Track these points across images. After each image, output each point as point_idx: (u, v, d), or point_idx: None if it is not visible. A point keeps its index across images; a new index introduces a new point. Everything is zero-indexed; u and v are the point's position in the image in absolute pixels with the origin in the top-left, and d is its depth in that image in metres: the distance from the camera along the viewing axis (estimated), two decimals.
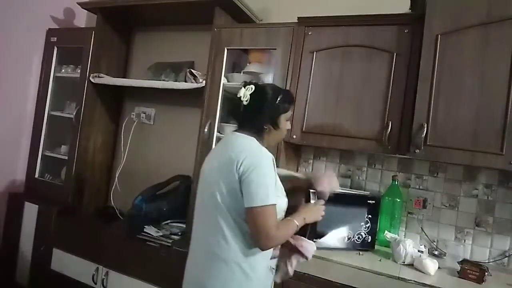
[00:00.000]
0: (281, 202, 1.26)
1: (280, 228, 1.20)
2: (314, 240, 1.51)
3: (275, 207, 1.19)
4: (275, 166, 1.27)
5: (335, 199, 1.57)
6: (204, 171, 1.33)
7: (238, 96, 1.31)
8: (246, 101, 1.29)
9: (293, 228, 1.25)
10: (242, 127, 1.33)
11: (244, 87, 1.31)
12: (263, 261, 1.27)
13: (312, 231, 1.46)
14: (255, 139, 1.29)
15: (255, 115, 1.31)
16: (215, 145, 1.44)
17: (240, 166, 1.18)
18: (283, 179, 1.39)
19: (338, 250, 1.64)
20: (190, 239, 1.32)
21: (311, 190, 1.43)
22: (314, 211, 1.36)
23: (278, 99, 1.32)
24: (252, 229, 1.17)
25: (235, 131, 1.34)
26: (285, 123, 1.36)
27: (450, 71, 1.51)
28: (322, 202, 1.40)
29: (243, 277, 1.19)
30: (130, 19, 2.60)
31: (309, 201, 1.41)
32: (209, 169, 1.31)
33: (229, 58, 2.04)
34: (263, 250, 1.21)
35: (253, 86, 1.30)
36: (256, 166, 1.18)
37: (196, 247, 1.29)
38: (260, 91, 1.31)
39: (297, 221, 1.26)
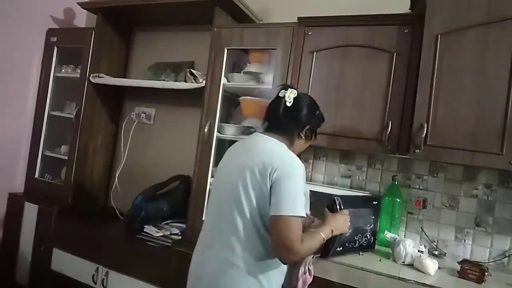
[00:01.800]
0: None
1: (305, 241, 1.12)
2: (339, 249, 1.47)
3: (301, 220, 1.12)
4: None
5: (351, 203, 1.53)
6: (224, 171, 1.27)
7: (281, 96, 1.26)
8: (290, 102, 1.24)
9: (319, 241, 1.20)
10: (274, 130, 1.27)
11: (285, 89, 1.27)
12: (280, 277, 1.22)
13: (337, 244, 1.42)
14: (285, 145, 1.24)
15: (294, 120, 1.26)
16: (233, 145, 1.36)
17: (274, 172, 1.12)
18: None
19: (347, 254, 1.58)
20: (199, 236, 1.28)
21: (335, 197, 1.39)
22: (341, 222, 1.31)
23: (318, 111, 1.32)
24: (276, 239, 1.11)
25: (263, 133, 1.29)
26: (312, 139, 1.34)
27: (450, 71, 1.51)
28: (346, 211, 1.33)
29: None
30: (130, 19, 2.60)
31: (333, 211, 1.35)
32: (233, 170, 1.22)
33: (229, 58, 2.04)
34: (284, 263, 1.16)
35: (296, 91, 1.27)
36: (290, 175, 1.13)
37: (211, 253, 1.20)
38: (304, 97, 1.30)
39: (323, 234, 1.21)
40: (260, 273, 1.15)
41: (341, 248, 1.53)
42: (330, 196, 1.37)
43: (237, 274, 1.14)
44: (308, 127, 1.29)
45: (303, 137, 1.29)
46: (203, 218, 1.97)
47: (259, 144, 1.25)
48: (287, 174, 1.13)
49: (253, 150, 1.23)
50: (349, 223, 1.32)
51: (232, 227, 1.17)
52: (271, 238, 1.13)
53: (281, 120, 1.27)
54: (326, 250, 1.45)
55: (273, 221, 1.11)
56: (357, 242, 1.61)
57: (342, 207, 1.42)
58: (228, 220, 1.18)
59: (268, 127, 1.30)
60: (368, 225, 1.66)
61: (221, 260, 1.17)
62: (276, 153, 1.19)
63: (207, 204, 1.30)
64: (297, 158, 1.20)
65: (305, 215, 1.14)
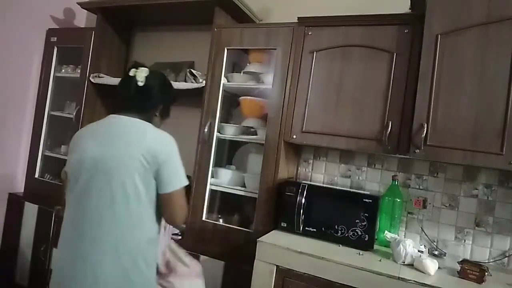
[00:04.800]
0: None
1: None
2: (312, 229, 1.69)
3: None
4: None
5: (327, 193, 1.81)
6: (94, 160, 1.18)
7: (131, 75, 1.25)
8: (142, 82, 1.24)
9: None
10: (131, 110, 1.25)
11: (136, 68, 1.26)
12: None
13: None
14: (146, 122, 1.26)
15: (149, 100, 1.28)
16: (95, 127, 1.29)
17: (160, 155, 1.17)
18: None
19: (332, 243, 1.72)
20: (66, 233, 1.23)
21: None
22: None
23: (171, 88, 1.34)
24: (174, 210, 1.22)
25: (122, 114, 1.25)
26: (167, 115, 1.39)
27: (450, 71, 1.51)
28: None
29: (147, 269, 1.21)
30: (130, 19, 2.60)
31: None
32: (110, 160, 1.17)
33: (229, 58, 2.04)
34: (181, 225, 1.30)
35: (147, 69, 1.27)
36: (172, 153, 1.22)
37: (93, 244, 1.15)
38: (155, 75, 1.30)
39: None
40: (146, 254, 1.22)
41: (314, 230, 1.74)
42: None
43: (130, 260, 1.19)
44: (161, 106, 1.32)
45: (157, 115, 1.34)
46: (203, 218, 1.97)
47: (129, 128, 1.23)
48: (170, 153, 1.22)
49: (129, 135, 1.21)
50: None
51: (123, 214, 1.16)
52: (167, 211, 1.23)
53: (136, 100, 1.26)
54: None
55: (169, 197, 1.21)
56: (339, 231, 1.71)
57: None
58: (112, 209, 1.15)
59: (124, 107, 1.28)
60: (358, 221, 1.68)
61: (115, 249, 1.16)
62: (153, 136, 1.23)
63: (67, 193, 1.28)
64: (167, 133, 1.26)
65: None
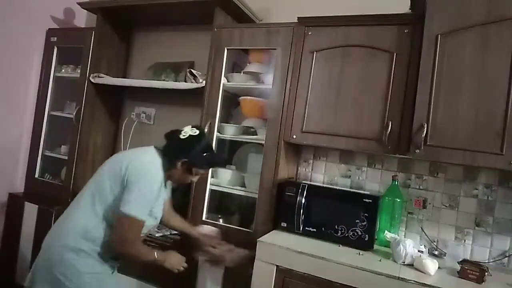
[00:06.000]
0: (150, 221, 1.39)
1: (138, 246, 1.36)
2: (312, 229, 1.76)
3: (141, 223, 1.32)
4: (165, 187, 1.43)
5: (327, 193, 1.82)
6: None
7: (181, 130, 1.43)
8: (184, 136, 1.40)
9: (148, 258, 1.38)
10: (161, 150, 1.44)
11: (192, 127, 1.44)
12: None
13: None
14: (161, 160, 1.40)
15: (177, 149, 1.41)
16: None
17: (129, 174, 1.31)
18: (176, 229, 1.69)
19: (332, 243, 1.72)
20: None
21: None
22: (175, 261, 1.46)
23: (208, 153, 1.44)
24: (115, 230, 1.31)
25: (156, 148, 1.46)
26: (194, 175, 1.47)
27: (450, 71, 1.51)
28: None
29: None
30: (130, 19, 2.60)
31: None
32: (107, 164, 1.44)
33: (229, 58, 2.04)
34: (115, 249, 1.34)
35: (197, 131, 1.42)
36: (142, 180, 1.31)
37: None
38: (199, 137, 1.42)
39: (157, 256, 1.38)
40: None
41: (314, 230, 1.74)
42: None
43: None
44: (187, 160, 1.41)
45: (179, 167, 1.42)
46: (203, 218, 1.97)
47: (138, 151, 1.47)
48: (140, 180, 1.31)
49: (130, 153, 1.47)
50: (181, 268, 1.47)
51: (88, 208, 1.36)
52: (113, 228, 1.32)
53: (169, 146, 1.44)
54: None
55: (118, 216, 1.29)
56: (339, 231, 1.71)
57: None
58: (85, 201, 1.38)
59: (162, 147, 1.46)
60: (358, 221, 1.68)
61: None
62: (139, 159, 1.38)
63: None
64: (156, 169, 1.37)
65: (145, 220, 1.32)
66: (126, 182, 1.31)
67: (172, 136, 1.45)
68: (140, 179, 1.31)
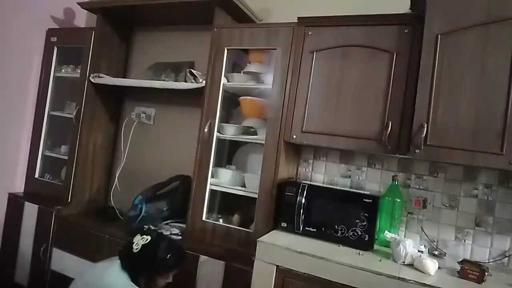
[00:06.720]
0: None
1: None
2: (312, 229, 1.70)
3: None
4: None
5: (327, 193, 1.82)
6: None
7: (132, 242, 1.41)
8: (136, 249, 1.38)
9: None
10: (123, 263, 1.45)
11: (141, 235, 1.41)
12: None
13: None
14: (127, 275, 1.40)
15: (138, 266, 1.39)
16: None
17: None
18: None
19: (332, 243, 1.72)
20: None
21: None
22: None
23: (169, 256, 1.41)
24: None
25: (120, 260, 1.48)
26: (162, 281, 1.45)
27: (450, 71, 1.51)
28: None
29: None
30: (130, 19, 2.60)
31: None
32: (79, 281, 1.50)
33: (229, 58, 2.04)
34: None
35: (148, 238, 1.40)
36: None
37: None
38: (153, 245, 1.40)
39: None
40: None
41: (314, 230, 1.74)
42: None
43: None
44: (148, 275, 1.40)
45: (143, 285, 1.41)
46: (203, 218, 1.97)
47: (103, 268, 1.47)
48: None
49: (96, 271, 1.47)
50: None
51: None
52: None
53: (127, 263, 1.44)
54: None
55: None
56: (339, 231, 1.71)
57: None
58: None
59: (122, 258, 1.48)
60: (358, 221, 1.68)
61: None
62: (109, 277, 1.38)
63: None
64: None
65: None
66: None
67: (125, 252, 1.43)
68: None
